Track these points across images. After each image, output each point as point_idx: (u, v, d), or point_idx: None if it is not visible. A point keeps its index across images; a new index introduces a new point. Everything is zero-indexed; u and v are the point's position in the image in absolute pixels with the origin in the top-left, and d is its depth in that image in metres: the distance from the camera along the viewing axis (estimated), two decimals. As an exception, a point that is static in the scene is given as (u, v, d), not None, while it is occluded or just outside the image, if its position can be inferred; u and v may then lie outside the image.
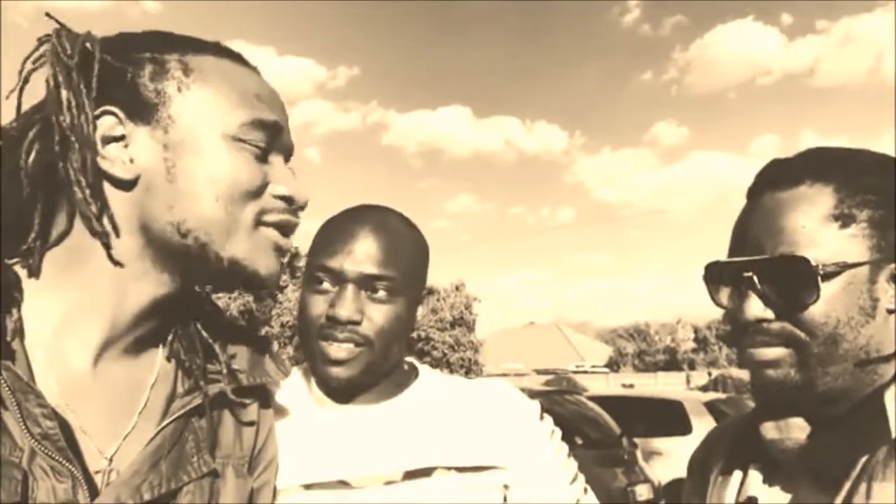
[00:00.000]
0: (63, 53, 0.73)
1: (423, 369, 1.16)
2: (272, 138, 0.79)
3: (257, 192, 0.78)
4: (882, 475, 0.74)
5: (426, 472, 1.00)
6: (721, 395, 9.58)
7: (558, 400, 6.83)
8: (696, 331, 38.51)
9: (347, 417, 1.05)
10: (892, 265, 0.80)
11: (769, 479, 0.88)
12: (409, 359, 1.16)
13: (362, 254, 1.02)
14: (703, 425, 7.80)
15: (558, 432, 1.12)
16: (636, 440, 6.93)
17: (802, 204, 0.81)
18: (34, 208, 0.75)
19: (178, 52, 0.77)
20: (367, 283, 1.02)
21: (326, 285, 1.03)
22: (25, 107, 0.76)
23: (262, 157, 0.79)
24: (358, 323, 1.01)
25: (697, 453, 1.05)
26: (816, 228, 0.80)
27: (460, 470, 1.01)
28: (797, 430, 0.85)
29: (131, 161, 0.74)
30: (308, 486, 0.98)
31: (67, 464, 0.68)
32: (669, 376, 29.23)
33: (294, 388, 1.09)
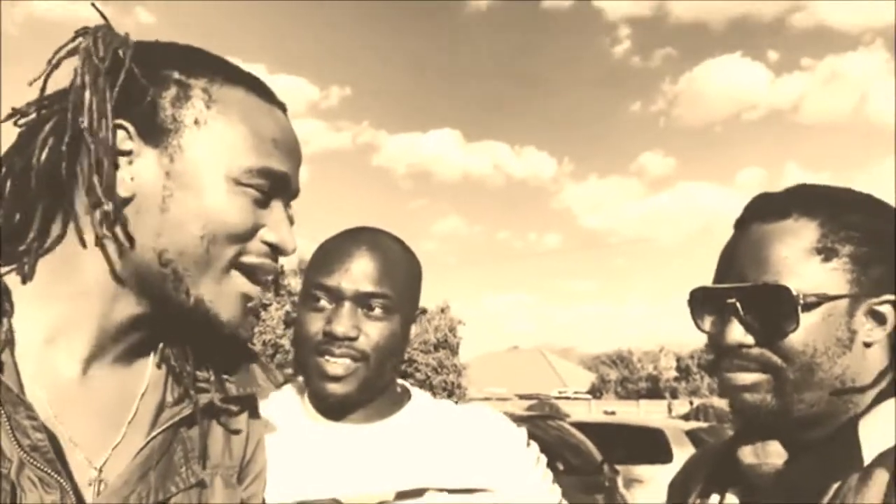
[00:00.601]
0: (95, 54, 0.72)
1: (415, 392, 1.18)
2: (277, 185, 0.79)
3: (245, 237, 0.77)
4: (853, 500, 0.76)
5: (418, 493, 1.02)
6: (703, 424, 9.62)
7: (541, 425, 6.82)
8: (678, 360, 38.60)
9: (341, 435, 1.06)
10: (871, 300, 0.83)
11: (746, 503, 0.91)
12: (400, 381, 1.18)
13: (359, 272, 1.04)
14: (683, 454, 7.81)
15: (544, 459, 1.15)
16: (617, 467, 6.92)
17: (787, 236, 0.84)
18: (36, 208, 0.75)
19: (207, 77, 0.76)
20: (363, 301, 1.04)
21: (323, 303, 1.05)
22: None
23: (263, 203, 0.78)
24: (354, 339, 1.03)
25: (677, 478, 1.08)
26: (799, 260, 0.83)
27: (451, 491, 1.03)
28: (774, 455, 0.87)
29: (131, 179, 0.73)
30: None
31: (56, 475, 0.68)
32: (651, 404, 29.23)
33: (287, 404, 1.10)
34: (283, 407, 1.09)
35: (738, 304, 0.85)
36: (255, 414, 0.93)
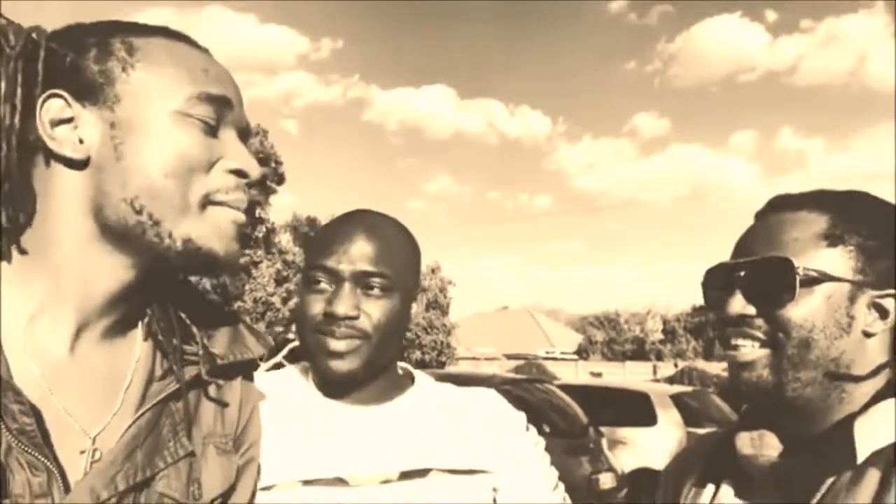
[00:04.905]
0: (6, 45, 0.74)
1: (419, 375, 1.21)
2: (221, 113, 0.80)
3: (207, 167, 0.78)
4: (845, 496, 0.79)
5: (421, 473, 1.05)
6: (687, 388, 9.80)
7: (529, 388, 6.93)
8: (664, 322, 39.07)
9: (346, 416, 1.08)
10: (874, 292, 0.86)
11: (741, 494, 0.94)
12: (403, 364, 1.21)
13: (357, 253, 1.06)
14: (667, 417, 7.99)
15: (542, 442, 1.19)
16: (602, 429, 7.06)
17: (800, 223, 0.90)
18: None
19: (123, 34, 0.79)
20: (362, 281, 1.06)
21: (324, 285, 1.07)
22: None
23: (212, 132, 0.79)
24: (355, 318, 1.05)
25: (673, 464, 1.11)
26: (807, 243, 0.88)
27: (453, 472, 1.06)
28: (770, 447, 0.91)
29: (81, 142, 0.75)
30: (307, 482, 1.01)
31: (43, 459, 0.69)
32: (637, 366, 29.62)
33: (293, 385, 1.13)
34: (289, 388, 1.11)
35: (743, 277, 0.90)
36: (248, 380, 0.95)
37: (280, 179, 21.60)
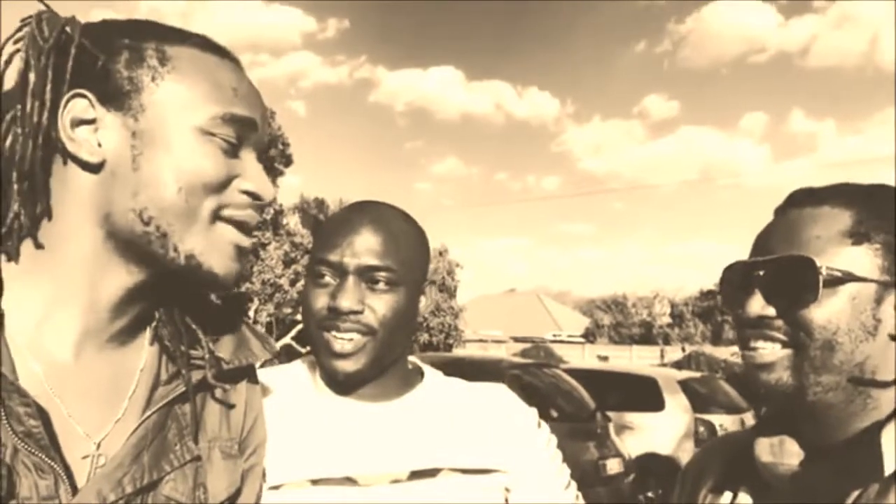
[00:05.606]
0: (39, 36, 0.73)
1: (428, 370, 1.18)
2: (244, 134, 0.79)
3: (221, 186, 0.78)
4: None
5: (432, 473, 1.03)
6: (695, 374, 9.77)
7: (537, 373, 6.93)
8: (672, 306, 39.05)
9: (354, 414, 1.07)
10: None
11: (759, 503, 0.90)
12: (412, 359, 1.18)
13: (361, 246, 1.04)
14: (675, 402, 7.98)
15: (554, 439, 1.16)
16: (609, 414, 7.06)
17: (822, 219, 0.85)
18: (11, 191, 0.75)
19: (157, 39, 0.77)
20: (366, 275, 1.04)
21: (328, 279, 1.05)
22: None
23: (232, 153, 0.79)
24: (360, 313, 1.02)
25: (690, 467, 1.08)
26: (830, 241, 0.84)
27: (465, 472, 1.04)
28: (791, 455, 0.87)
29: (99, 145, 0.74)
30: (315, 482, 1.00)
31: (50, 461, 0.69)
32: (644, 350, 29.66)
33: (300, 381, 1.11)
34: (296, 384, 1.10)
35: (763, 277, 0.86)
36: (253, 385, 0.94)
37: (287, 161, 21.52)
